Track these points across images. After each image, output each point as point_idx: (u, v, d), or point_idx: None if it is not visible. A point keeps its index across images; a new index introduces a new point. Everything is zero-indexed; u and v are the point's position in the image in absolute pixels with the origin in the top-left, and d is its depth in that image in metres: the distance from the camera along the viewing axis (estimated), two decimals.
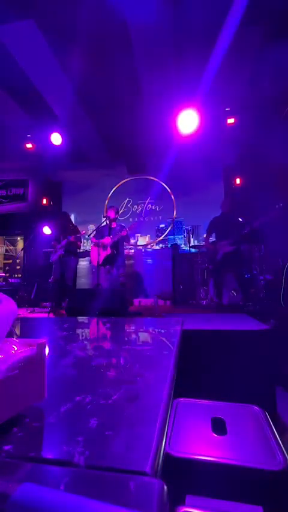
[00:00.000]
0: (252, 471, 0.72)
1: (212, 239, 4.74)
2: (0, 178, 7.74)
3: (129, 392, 0.48)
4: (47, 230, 5.74)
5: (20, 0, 3.26)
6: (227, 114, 5.31)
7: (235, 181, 6.54)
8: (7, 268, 7.78)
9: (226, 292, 4.50)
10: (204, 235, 6.78)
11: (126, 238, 4.66)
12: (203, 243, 6.54)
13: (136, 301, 5.41)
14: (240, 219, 4.27)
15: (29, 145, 6.22)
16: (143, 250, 6.77)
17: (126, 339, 1.16)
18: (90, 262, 4.94)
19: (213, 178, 6.82)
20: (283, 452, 0.77)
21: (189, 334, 1.63)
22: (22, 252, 6.78)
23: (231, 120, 5.39)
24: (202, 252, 5.76)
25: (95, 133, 5.92)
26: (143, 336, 1.18)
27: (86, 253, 6.15)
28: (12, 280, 6.82)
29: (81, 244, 5.02)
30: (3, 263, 7.99)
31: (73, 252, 4.74)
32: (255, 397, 1.18)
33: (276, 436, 0.84)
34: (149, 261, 6.01)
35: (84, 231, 4.98)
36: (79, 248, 4.99)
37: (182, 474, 0.76)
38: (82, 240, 4.94)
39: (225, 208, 4.55)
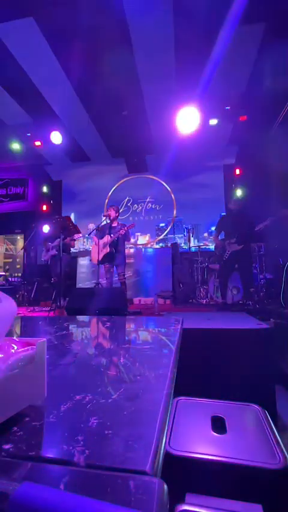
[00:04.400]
0: (252, 470, 0.72)
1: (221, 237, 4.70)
2: (0, 177, 7.73)
3: (129, 391, 0.48)
4: (46, 229, 5.74)
5: None
6: (228, 113, 5.30)
7: (235, 181, 6.53)
8: (7, 267, 7.78)
9: (230, 292, 4.51)
10: (205, 234, 6.81)
11: (126, 237, 4.66)
12: (203, 242, 6.55)
13: (136, 300, 5.41)
14: (248, 218, 4.26)
15: (29, 144, 6.19)
16: (143, 249, 6.77)
17: (126, 338, 1.16)
18: (91, 260, 4.94)
19: (214, 177, 6.81)
20: (283, 451, 0.77)
21: (189, 333, 1.63)
22: (22, 251, 6.78)
23: (231, 119, 5.38)
24: (202, 251, 5.75)
25: (95, 132, 5.91)
26: (143, 335, 1.18)
27: (86, 252, 6.15)
28: (12, 279, 6.83)
29: (75, 243, 5.06)
30: (3, 262, 7.99)
31: (65, 251, 4.75)
32: (255, 396, 1.18)
33: (276, 435, 0.84)
34: (149, 260, 6.01)
35: (80, 235, 5.04)
36: (72, 247, 5.04)
37: (182, 472, 0.77)
38: (76, 239, 4.97)
39: (234, 207, 4.51)
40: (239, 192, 6.34)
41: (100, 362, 0.69)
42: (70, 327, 1.25)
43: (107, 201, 7.28)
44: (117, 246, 4.57)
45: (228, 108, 5.21)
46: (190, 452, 0.77)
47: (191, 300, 5.15)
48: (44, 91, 4.78)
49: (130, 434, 0.35)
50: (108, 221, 4.68)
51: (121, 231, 4.45)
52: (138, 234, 7.18)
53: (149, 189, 7.08)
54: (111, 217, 4.66)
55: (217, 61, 3.88)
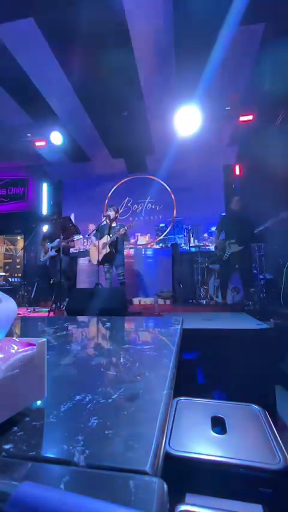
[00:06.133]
0: (252, 470, 0.72)
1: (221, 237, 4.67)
2: (0, 177, 7.73)
3: (129, 391, 0.48)
4: (46, 229, 5.74)
5: None
6: (228, 114, 5.30)
7: (235, 181, 6.53)
8: (7, 267, 7.78)
9: (230, 292, 4.52)
10: (205, 235, 6.81)
11: (126, 237, 4.66)
12: (203, 243, 6.55)
13: (136, 301, 5.41)
14: (248, 219, 4.27)
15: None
16: (143, 249, 6.77)
17: (126, 338, 1.16)
18: (90, 261, 4.94)
19: (214, 177, 6.81)
20: (283, 451, 0.77)
21: (189, 333, 1.63)
22: (22, 251, 6.78)
23: (231, 119, 5.38)
24: (202, 251, 5.75)
25: (95, 132, 5.91)
26: (143, 335, 1.18)
27: (86, 253, 6.15)
28: (12, 280, 6.83)
29: (74, 244, 5.03)
30: (3, 262, 7.99)
31: (64, 252, 4.71)
32: (255, 396, 1.18)
33: (276, 435, 0.84)
34: (149, 260, 6.01)
35: (80, 235, 5.02)
36: (72, 247, 5.03)
37: (182, 473, 0.77)
38: (75, 240, 4.94)
39: (235, 207, 4.51)
40: (239, 193, 6.33)
41: (100, 362, 0.69)
42: (70, 327, 1.25)
43: (107, 201, 7.28)
44: (116, 246, 4.57)
45: (228, 108, 5.21)
46: (190, 452, 0.77)
47: (191, 300, 5.15)
48: (44, 91, 4.78)
49: (130, 434, 0.35)
50: (108, 221, 4.68)
51: (121, 230, 4.45)
52: (138, 234, 7.18)
53: (149, 189, 7.07)
54: (111, 218, 4.66)
55: (217, 61, 3.88)
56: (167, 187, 7.00)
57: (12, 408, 0.37)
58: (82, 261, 6.04)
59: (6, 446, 0.32)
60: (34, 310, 4.55)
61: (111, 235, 4.50)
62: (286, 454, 0.76)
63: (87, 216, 7.27)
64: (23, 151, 6.35)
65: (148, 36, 3.78)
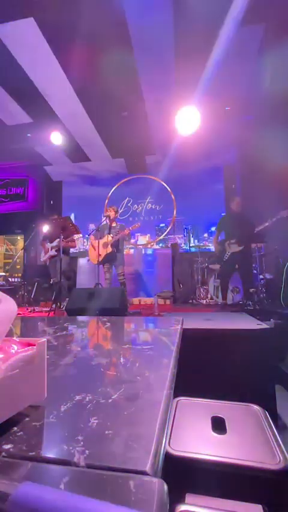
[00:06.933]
0: (252, 470, 0.72)
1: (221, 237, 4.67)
2: (0, 177, 7.73)
3: (129, 391, 0.48)
4: (46, 229, 5.73)
5: None
6: (228, 114, 5.30)
7: (235, 181, 6.53)
8: (7, 267, 7.77)
9: (230, 292, 4.52)
10: (205, 235, 6.81)
11: (128, 237, 4.66)
12: (203, 243, 6.55)
13: (136, 300, 5.41)
14: (248, 219, 4.27)
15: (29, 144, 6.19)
16: (143, 249, 6.77)
17: (126, 338, 1.16)
18: (89, 261, 4.94)
19: (214, 177, 6.81)
20: (283, 451, 0.77)
21: (189, 333, 1.63)
22: (22, 251, 6.78)
23: (231, 120, 5.37)
24: (202, 251, 5.75)
25: (95, 132, 5.91)
26: (143, 335, 1.18)
27: (86, 253, 6.15)
28: (12, 280, 6.83)
29: (75, 244, 5.01)
30: (3, 262, 7.98)
31: (64, 252, 4.68)
32: (255, 396, 1.18)
33: (276, 435, 0.84)
34: (149, 260, 6.01)
35: (80, 235, 4.99)
36: (73, 247, 5.02)
37: (182, 473, 0.76)
38: (76, 239, 4.92)
39: (236, 207, 4.50)
40: (239, 193, 6.33)
41: (100, 362, 0.69)
42: (70, 327, 1.25)
43: (107, 201, 7.28)
44: (117, 246, 4.57)
45: (228, 108, 5.20)
46: (190, 452, 0.77)
47: (191, 300, 5.15)
48: (44, 91, 4.78)
49: (130, 434, 0.35)
50: (108, 221, 4.68)
51: (125, 230, 4.45)
52: (138, 234, 7.18)
53: (149, 189, 7.07)
54: (111, 218, 4.66)
55: (217, 61, 3.88)
56: (167, 187, 7.00)
57: (12, 408, 0.37)
58: (82, 261, 6.04)
59: (6, 446, 0.32)
60: (34, 310, 4.54)
61: (111, 235, 4.50)
62: (286, 454, 0.76)
63: (87, 216, 7.27)
64: (23, 151, 6.35)
65: (148, 36, 3.78)
